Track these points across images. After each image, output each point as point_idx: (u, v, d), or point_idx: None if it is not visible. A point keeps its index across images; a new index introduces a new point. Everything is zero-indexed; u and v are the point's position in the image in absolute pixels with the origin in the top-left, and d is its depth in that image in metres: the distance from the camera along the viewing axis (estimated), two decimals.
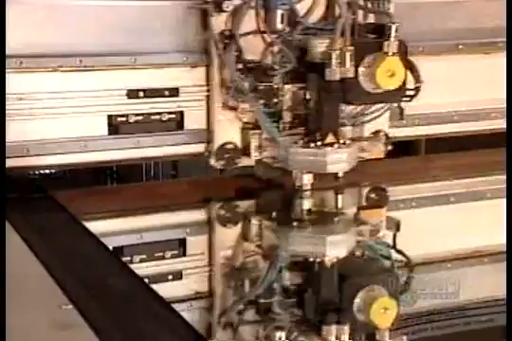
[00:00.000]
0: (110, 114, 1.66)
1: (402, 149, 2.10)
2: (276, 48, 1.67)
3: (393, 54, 1.53)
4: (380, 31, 1.57)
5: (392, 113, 1.80)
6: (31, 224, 1.43)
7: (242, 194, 1.84)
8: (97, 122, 1.66)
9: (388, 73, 1.53)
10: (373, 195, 1.96)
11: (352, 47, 1.48)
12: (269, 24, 1.63)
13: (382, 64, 1.52)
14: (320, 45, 1.50)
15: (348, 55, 1.47)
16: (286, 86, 1.63)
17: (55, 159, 1.64)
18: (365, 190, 1.96)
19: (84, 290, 1.10)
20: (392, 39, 1.52)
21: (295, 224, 1.60)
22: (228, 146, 1.73)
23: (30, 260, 1.17)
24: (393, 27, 1.52)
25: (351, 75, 1.48)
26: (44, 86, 1.59)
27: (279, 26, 1.64)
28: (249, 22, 1.66)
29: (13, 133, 1.56)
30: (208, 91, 1.70)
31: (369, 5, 1.69)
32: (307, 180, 1.64)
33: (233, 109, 1.66)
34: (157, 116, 1.70)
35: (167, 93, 1.70)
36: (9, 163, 1.52)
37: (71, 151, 1.64)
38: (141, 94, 1.68)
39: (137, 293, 1.14)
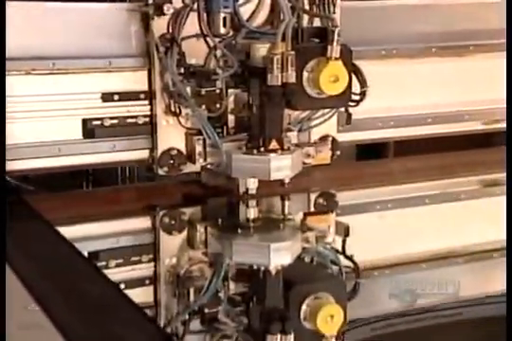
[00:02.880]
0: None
1: None
2: (219, 53, 1.65)
3: (336, 59, 1.51)
4: (324, 36, 1.55)
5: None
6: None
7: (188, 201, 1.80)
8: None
9: (331, 78, 1.51)
10: (321, 200, 1.94)
11: (293, 52, 1.45)
12: (212, 27, 1.59)
13: (325, 69, 1.50)
14: (261, 50, 1.47)
15: (290, 60, 1.44)
16: (230, 90, 1.59)
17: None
18: (314, 196, 1.94)
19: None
20: (334, 43, 1.49)
21: (239, 231, 1.57)
22: (172, 152, 1.69)
23: None
24: (336, 32, 1.49)
25: (293, 80, 1.45)
26: None
27: (221, 29, 1.60)
28: (192, 25, 1.63)
29: None
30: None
31: (314, 9, 1.68)
32: (252, 186, 1.60)
33: (176, 114, 1.63)
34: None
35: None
36: None
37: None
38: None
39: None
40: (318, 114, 1.75)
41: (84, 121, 1.62)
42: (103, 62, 1.61)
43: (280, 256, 1.53)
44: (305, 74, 1.52)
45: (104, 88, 1.63)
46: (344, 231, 1.74)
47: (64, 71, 1.58)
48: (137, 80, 1.66)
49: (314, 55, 1.52)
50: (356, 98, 1.68)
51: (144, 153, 1.71)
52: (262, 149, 1.52)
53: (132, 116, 1.67)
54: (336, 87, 1.53)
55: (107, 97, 1.63)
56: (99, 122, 1.63)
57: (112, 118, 1.64)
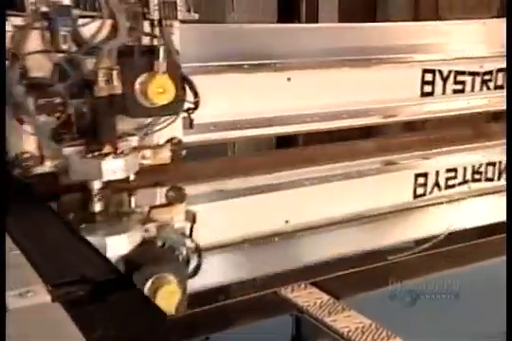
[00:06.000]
0: None
1: None
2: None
3: (164, 73, 1.73)
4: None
5: None
6: None
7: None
8: None
9: (159, 90, 1.73)
10: (171, 193, 2.16)
11: (118, 67, 1.66)
12: (54, 44, 1.78)
13: (153, 82, 1.72)
14: (88, 64, 1.67)
15: (115, 73, 1.65)
16: (70, 101, 1.78)
17: None
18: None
19: None
20: (160, 59, 1.71)
21: (83, 225, 1.77)
22: (25, 155, 1.87)
23: None
24: (162, 49, 1.71)
25: (119, 92, 1.66)
26: None
27: (63, 46, 1.79)
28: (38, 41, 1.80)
29: None
30: None
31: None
32: (96, 185, 1.81)
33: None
34: None
35: None
36: None
37: None
38: None
39: None
40: (161, 120, 1.95)
41: None
42: None
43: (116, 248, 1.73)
44: (137, 86, 1.74)
45: None
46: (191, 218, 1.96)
47: None
48: None
49: (143, 70, 1.73)
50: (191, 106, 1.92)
51: None
52: (96, 153, 1.72)
53: None
54: (163, 98, 1.75)
55: None
56: None
57: None
